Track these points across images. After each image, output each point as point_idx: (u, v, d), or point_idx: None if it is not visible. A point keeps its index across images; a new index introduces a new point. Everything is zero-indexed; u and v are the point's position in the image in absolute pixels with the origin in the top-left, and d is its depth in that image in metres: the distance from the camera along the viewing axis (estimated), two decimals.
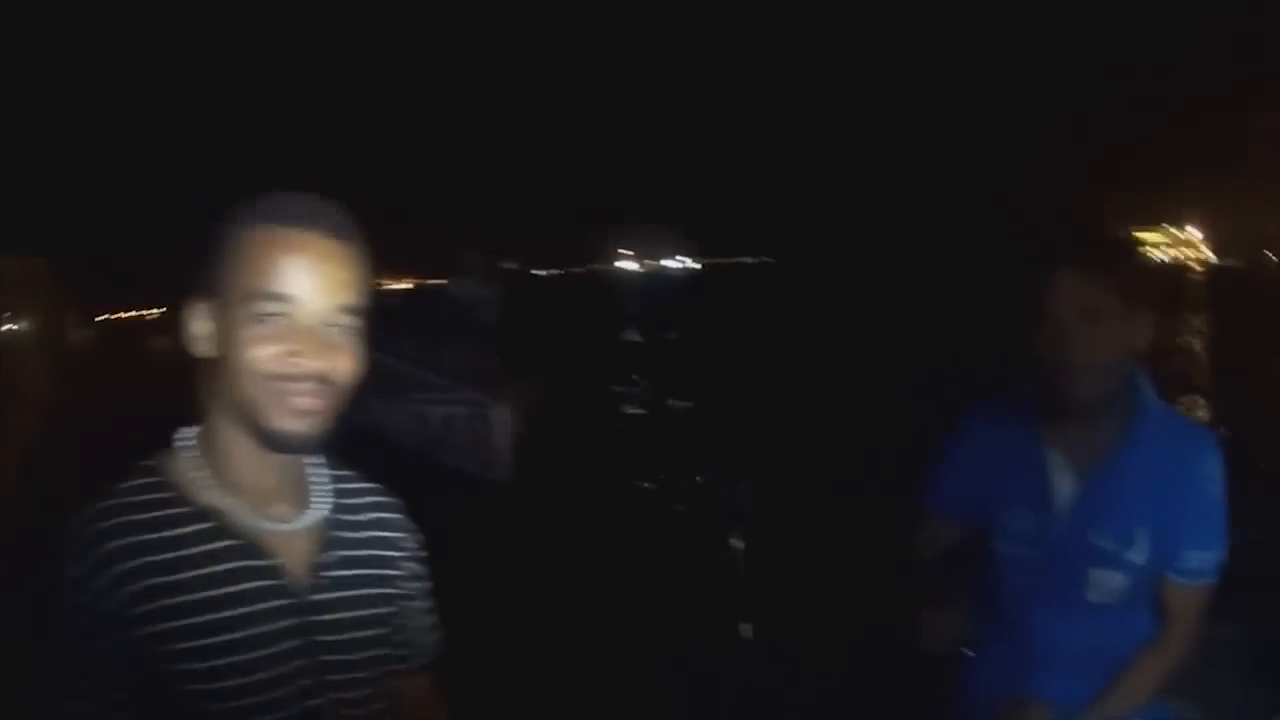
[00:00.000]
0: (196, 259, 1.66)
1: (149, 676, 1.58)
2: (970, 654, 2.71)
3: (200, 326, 1.66)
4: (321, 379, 1.61)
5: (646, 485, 12.48)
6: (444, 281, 14.41)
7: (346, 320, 1.64)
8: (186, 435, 1.75)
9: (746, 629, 3.53)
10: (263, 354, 1.59)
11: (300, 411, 1.61)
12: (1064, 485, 2.58)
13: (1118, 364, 2.46)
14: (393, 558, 1.88)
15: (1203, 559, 2.53)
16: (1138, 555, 2.51)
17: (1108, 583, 2.55)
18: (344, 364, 1.64)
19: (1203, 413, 16.91)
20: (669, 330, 36.18)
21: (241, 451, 1.68)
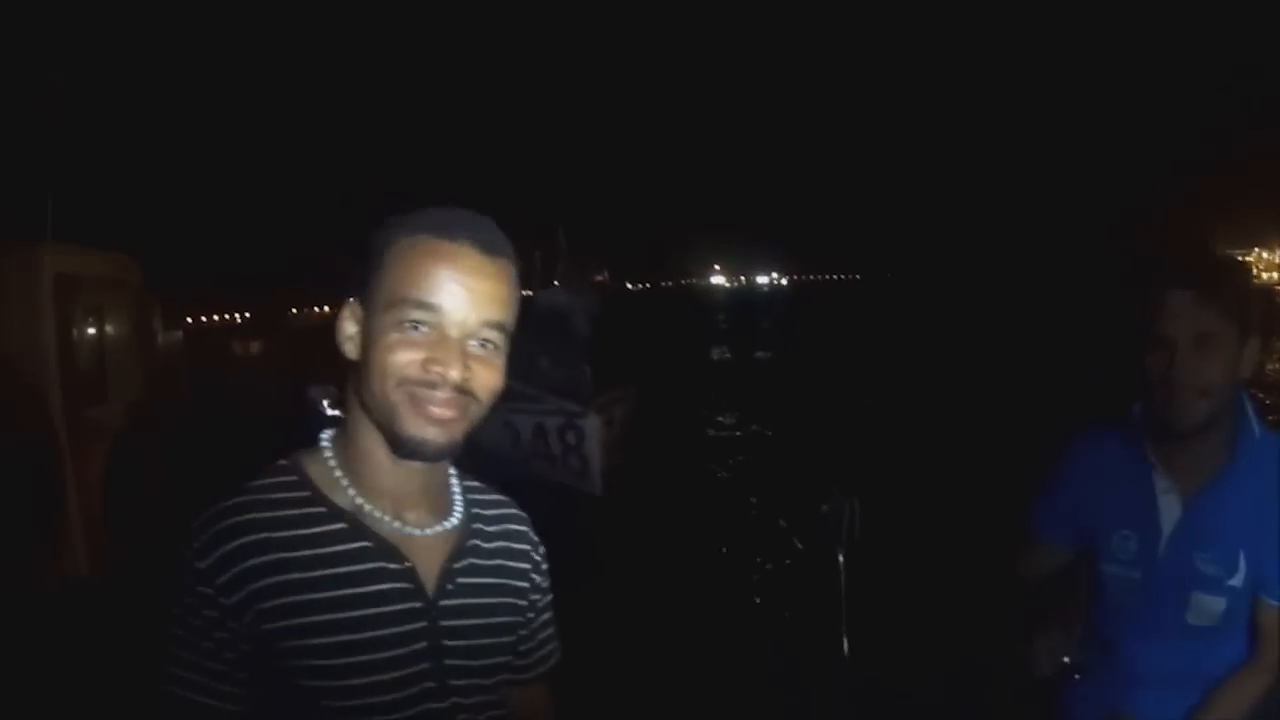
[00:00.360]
0: (352, 264, 1.68)
1: (269, 671, 1.57)
2: (1077, 677, 2.63)
3: (349, 328, 1.66)
4: (459, 389, 1.60)
5: (749, 500, 12.40)
6: (530, 292, 14.41)
7: (491, 335, 1.63)
8: (326, 436, 1.74)
9: (845, 647, 3.45)
10: (404, 359, 1.59)
11: (434, 419, 1.60)
12: (1169, 509, 2.54)
13: (1227, 388, 2.40)
14: (520, 569, 1.85)
15: None
16: (1238, 579, 2.47)
17: (1208, 606, 2.49)
18: (484, 377, 1.63)
19: None
20: (760, 348, 36.24)
21: (380, 455, 1.67)
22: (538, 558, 1.90)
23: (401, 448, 1.62)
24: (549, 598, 1.94)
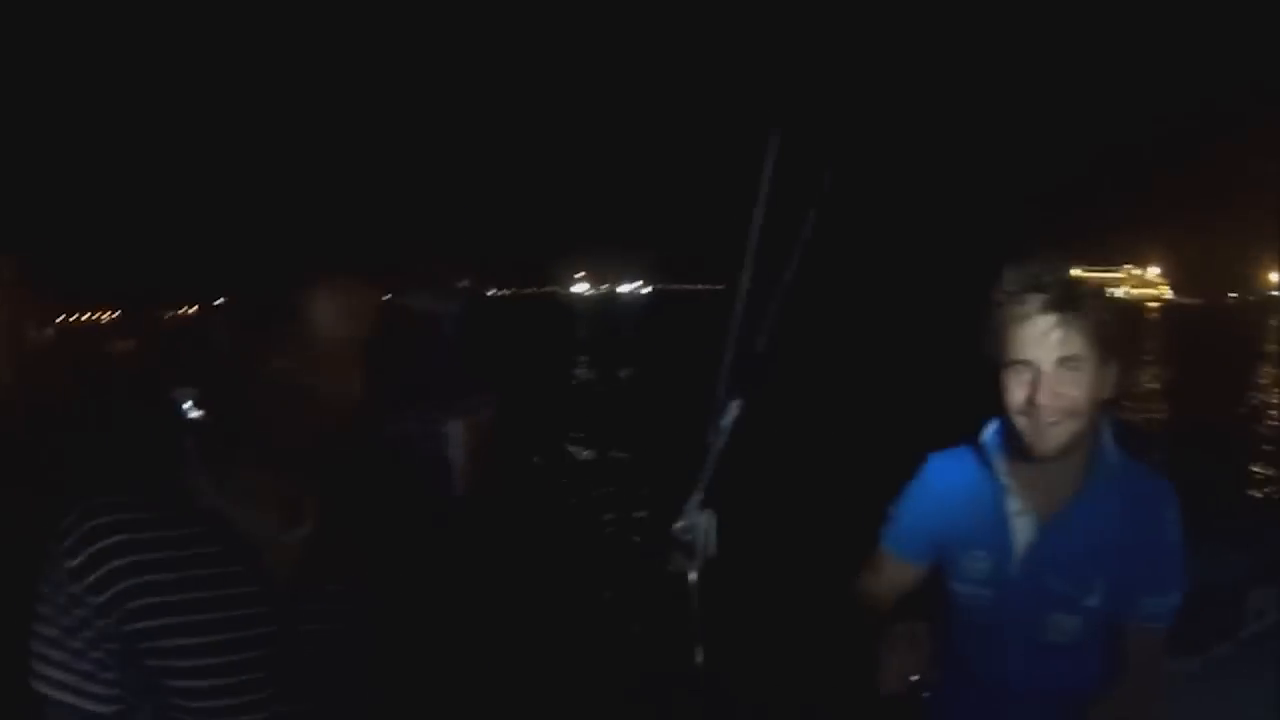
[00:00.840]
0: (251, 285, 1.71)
1: (137, 669, 1.64)
2: (925, 695, 2.51)
3: (258, 351, 1.67)
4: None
5: (605, 516, 12.37)
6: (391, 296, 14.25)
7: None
8: (191, 440, 1.78)
9: (699, 662, 3.55)
10: (348, 386, 1.71)
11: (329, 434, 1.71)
12: (1023, 529, 2.59)
13: (1089, 411, 2.45)
14: (368, 577, 1.90)
15: (1160, 604, 2.53)
16: (1094, 600, 2.52)
17: (1064, 625, 2.55)
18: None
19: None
20: (622, 366, 35.97)
21: (245, 460, 1.72)
22: (399, 562, 1.96)
23: (292, 453, 1.69)
24: (408, 605, 1.98)
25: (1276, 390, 31.11)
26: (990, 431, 2.65)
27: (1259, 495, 15.68)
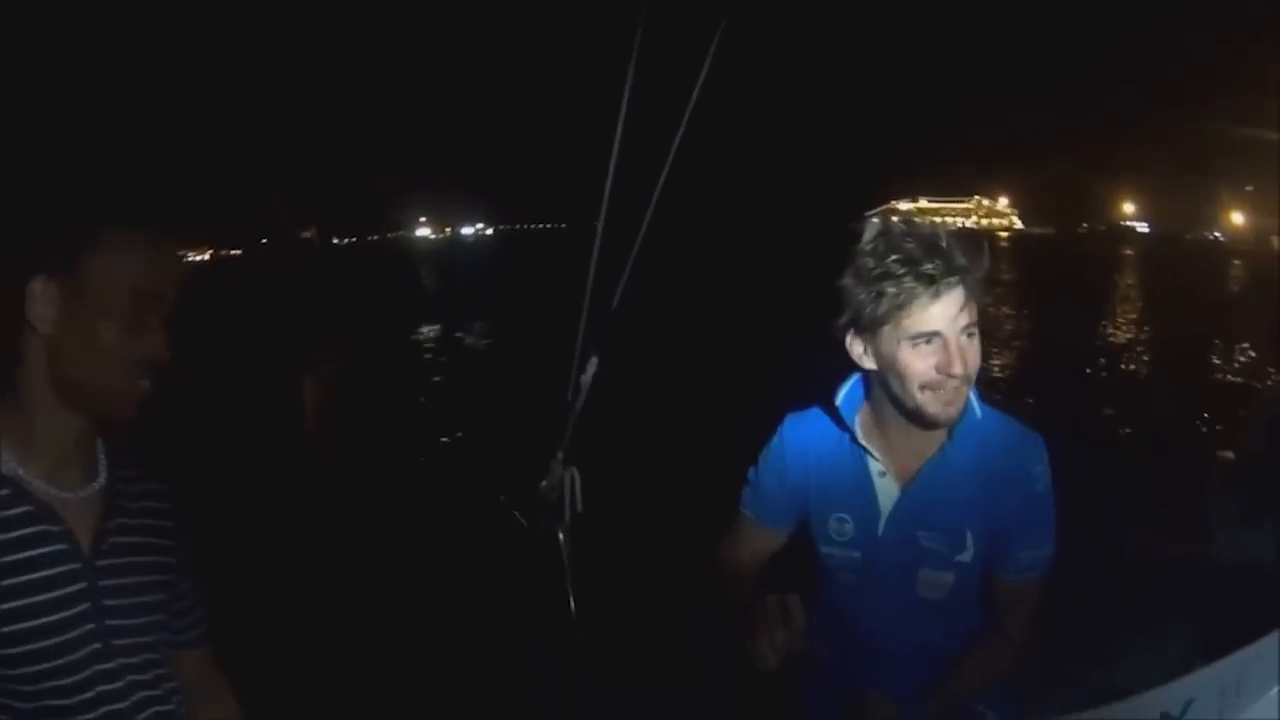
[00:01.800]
0: (32, 235, 1.73)
1: None
2: (807, 663, 2.64)
3: (49, 310, 1.70)
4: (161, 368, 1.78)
5: (464, 474, 12.20)
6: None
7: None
8: None
9: (572, 618, 3.55)
10: (144, 342, 1.74)
11: (139, 398, 1.78)
12: (886, 490, 2.60)
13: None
14: (164, 528, 1.95)
15: (1033, 557, 2.54)
16: (965, 555, 2.54)
17: (936, 581, 2.57)
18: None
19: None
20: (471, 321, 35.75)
21: (44, 423, 1.75)
22: (174, 522, 1.99)
23: (102, 411, 1.78)
24: (192, 559, 2.04)
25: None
26: (844, 394, 2.66)
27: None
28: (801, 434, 2.77)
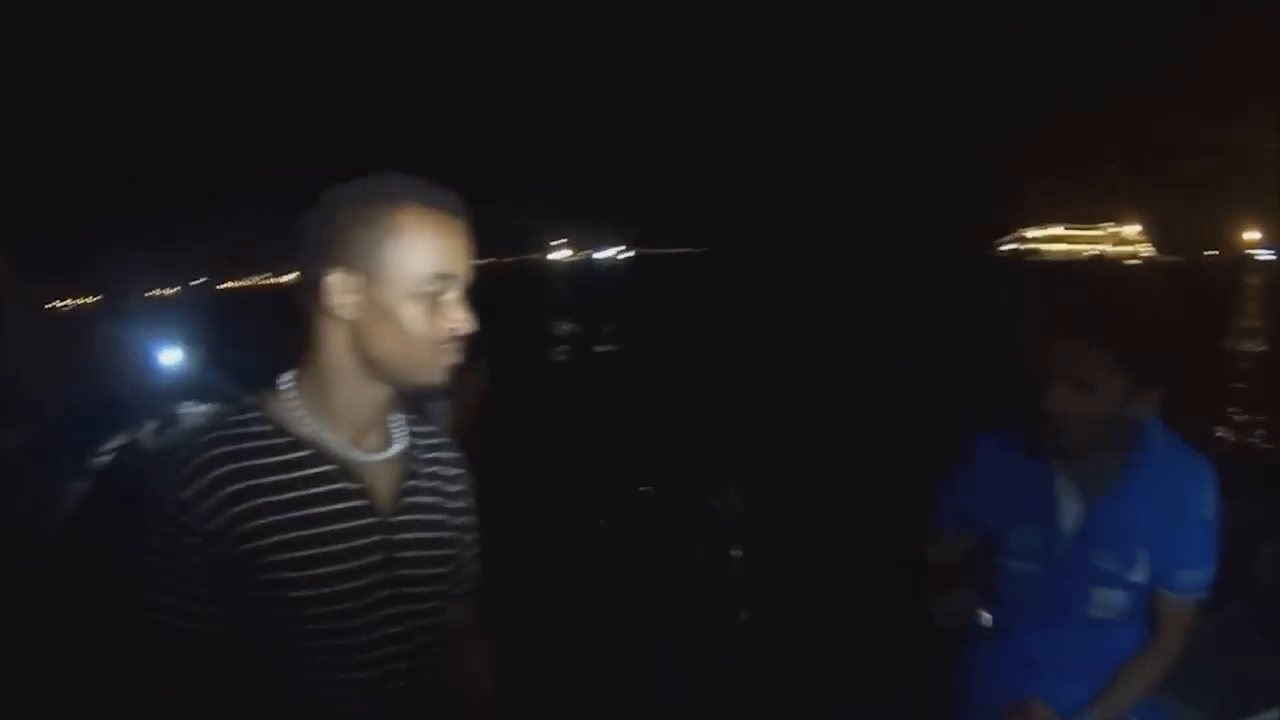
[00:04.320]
0: (324, 234, 1.85)
1: (245, 591, 1.79)
2: (985, 630, 2.79)
3: (344, 297, 1.84)
4: (465, 339, 1.89)
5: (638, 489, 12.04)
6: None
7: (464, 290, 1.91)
8: (286, 378, 1.94)
9: (741, 640, 3.49)
10: (439, 325, 1.86)
11: (448, 366, 1.90)
12: (1070, 508, 2.63)
13: (1103, 428, 2.47)
14: (453, 491, 2.12)
15: (1195, 577, 2.61)
16: (1138, 575, 2.58)
17: (1109, 600, 2.61)
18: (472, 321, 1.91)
19: None
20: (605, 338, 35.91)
21: (346, 393, 1.91)
22: (465, 483, 2.17)
23: (416, 390, 1.92)
24: (474, 520, 2.19)
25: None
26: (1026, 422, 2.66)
27: (1255, 443, 15.64)
28: (990, 449, 2.84)
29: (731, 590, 3.35)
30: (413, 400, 1.98)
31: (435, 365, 1.87)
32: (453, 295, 1.87)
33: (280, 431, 1.87)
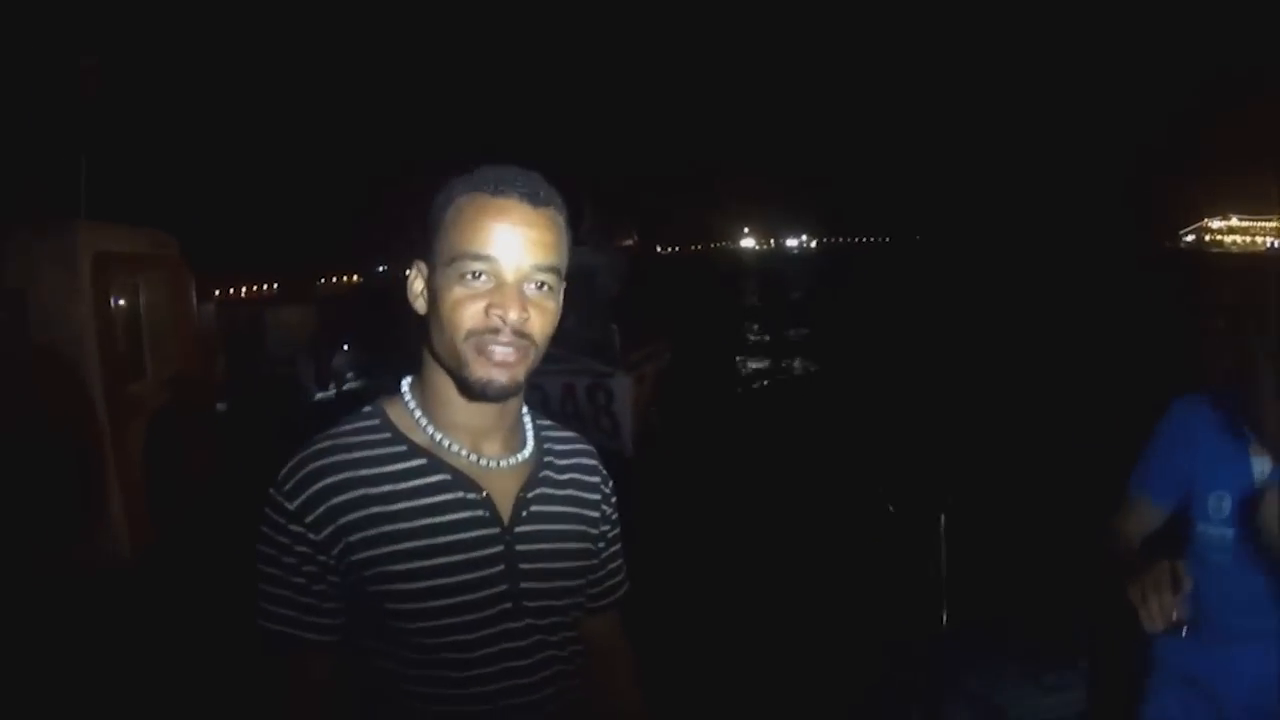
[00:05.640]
0: (416, 226, 1.83)
1: (359, 599, 1.73)
2: (1184, 633, 2.52)
3: (418, 286, 1.83)
4: (518, 332, 1.75)
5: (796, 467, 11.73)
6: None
7: (545, 277, 1.78)
8: (406, 382, 1.90)
9: (944, 615, 3.49)
10: (468, 311, 1.75)
11: (498, 362, 1.76)
12: (1263, 469, 2.65)
13: None
14: (591, 500, 2.02)
15: None
16: None
17: None
18: (539, 318, 1.78)
19: None
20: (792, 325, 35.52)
21: (453, 396, 1.83)
22: (607, 490, 2.07)
23: (469, 391, 1.78)
24: (617, 530, 2.10)
25: None
26: (1229, 385, 2.77)
27: None
28: (1188, 414, 2.86)
29: (935, 570, 3.35)
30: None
31: (477, 360, 1.76)
32: (497, 283, 1.75)
33: (398, 439, 1.82)
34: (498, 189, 1.76)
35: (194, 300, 10.52)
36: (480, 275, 1.74)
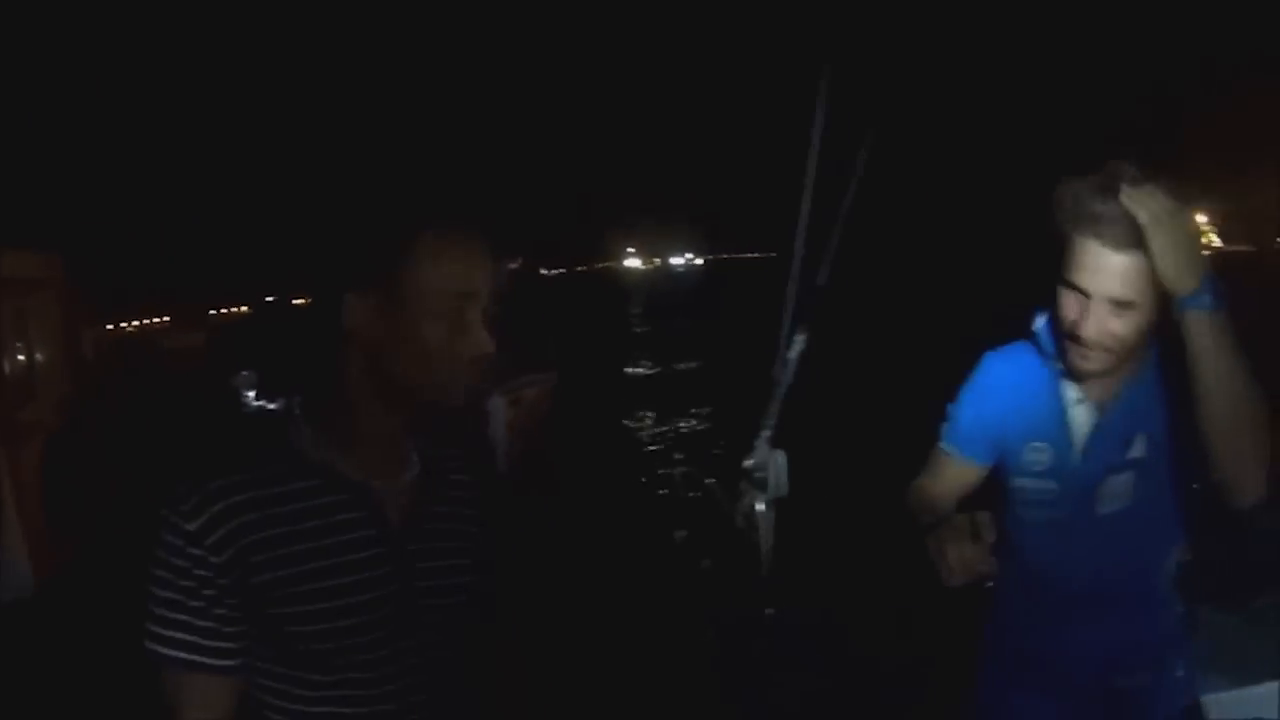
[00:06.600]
0: (339, 253, 1.81)
1: (259, 620, 1.73)
2: (989, 585, 2.66)
3: (362, 317, 1.77)
4: (487, 358, 1.81)
5: (676, 459, 11.88)
6: None
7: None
8: (298, 404, 1.88)
9: (768, 598, 3.50)
10: (469, 342, 1.79)
11: (471, 380, 1.83)
12: (1081, 418, 2.58)
13: (1134, 346, 2.40)
14: (469, 515, 2.02)
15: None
16: (1137, 450, 2.50)
17: (1114, 489, 2.53)
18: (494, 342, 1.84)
19: None
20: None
21: (362, 418, 1.83)
22: (483, 506, 2.07)
23: (431, 407, 1.83)
24: (496, 540, 2.10)
25: None
26: (1042, 323, 2.60)
27: None
28: (1000, 367, 2.76)
29: (757, 553, 3.36)
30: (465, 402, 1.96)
31: (456, 386, 1.82)
32: (474, 314, 1.81)
33: (293, 459, 1.81)
34: (460, 220, 1.80)
35: (82, 323, 10.41)
36: (463, 309, 1.79)
